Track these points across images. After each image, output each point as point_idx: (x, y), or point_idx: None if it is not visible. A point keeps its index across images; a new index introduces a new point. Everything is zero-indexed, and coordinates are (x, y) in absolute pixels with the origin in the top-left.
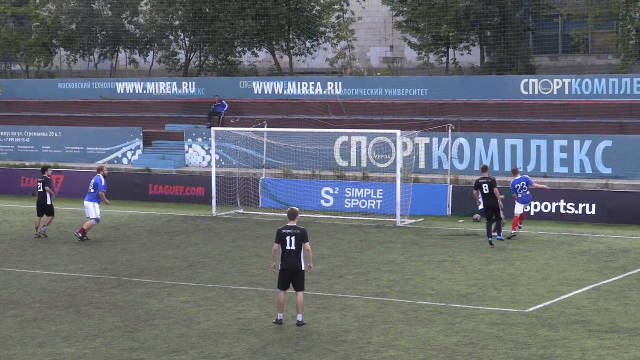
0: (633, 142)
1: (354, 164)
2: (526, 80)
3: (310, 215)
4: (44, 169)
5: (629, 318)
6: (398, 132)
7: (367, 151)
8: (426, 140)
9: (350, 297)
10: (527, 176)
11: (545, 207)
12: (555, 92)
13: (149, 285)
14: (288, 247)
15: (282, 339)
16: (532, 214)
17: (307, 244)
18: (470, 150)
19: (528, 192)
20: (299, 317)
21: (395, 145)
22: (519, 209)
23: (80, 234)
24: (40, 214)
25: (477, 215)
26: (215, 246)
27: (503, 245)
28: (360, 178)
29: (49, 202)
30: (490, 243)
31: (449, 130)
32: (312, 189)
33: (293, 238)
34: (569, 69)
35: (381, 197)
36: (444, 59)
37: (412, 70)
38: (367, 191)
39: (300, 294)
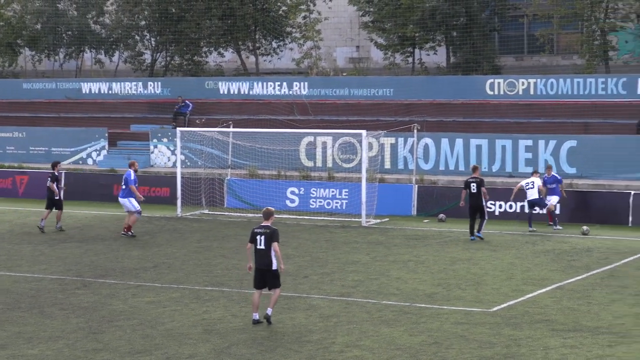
0: (597, 142)
1: (319, 164)
2: (492, 80)
3: (276, 216)
4: (54, 165)
5: (592, 317)
6: (364, 132)
7: (332, 151)
8: (392, 140)
9: (315, 297)
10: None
11: (510, 206)
12: (520, 92)
13: (113, 286)
14: (258, 246)
15: (247, 339)
16: (496, 213)
17: (276, 244)
18: (436, 151)
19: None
20: (269, 311)
21: (361, 146)
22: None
23: (127, 232)
24: (49, 206)
25: (442, 215)
26: (180, 247)
27: (468, 245)
28: (325, 178)
29: (57, 197)
30: (472, 239)
31: (415, 131)
32: (278, 189)
33: (263, 238)
34: (534, 69)
35: (346, 197)
36: (410, 59)
37: (378, 70)
38: (333, 191)
39: (277, 290)
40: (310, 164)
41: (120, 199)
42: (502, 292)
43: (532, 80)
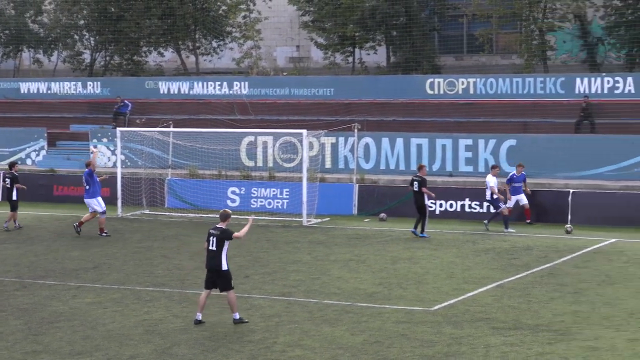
0: (537, 141)
1: (260, 163)
2: (432, 79)
3: (217, 216)
4: (11, 165)
5: (532, 315)
6: (304, 131)
7: (273, 151)
8: (332, 140)
9: (257, 297)
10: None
11: (451, 205)
12: (460, 92)
13: (53, 287)
14: (210, 247)
15: (189, 339)
16: (437, 212)
17: (235, 234)
18: (377, 150)
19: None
20: (236, 316)
21: (301, 145)
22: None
23: (102, 233)
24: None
25: (383, 215)
26: (121, 247)
27: (409, 244)
28: (266, 178)
29: (14, 198)
30: (414, 234)
31: (355, 130)
32: (219, 189)
33: (214, 239)
34: (473, 68)
35: (287, 197)
36: (350, 59)
37: (318, 70)
38: (274, 191)
39: (229, 293)
40: (251, 163)
41: (85, 199)
42: (443, 291)
43: (471, 80)
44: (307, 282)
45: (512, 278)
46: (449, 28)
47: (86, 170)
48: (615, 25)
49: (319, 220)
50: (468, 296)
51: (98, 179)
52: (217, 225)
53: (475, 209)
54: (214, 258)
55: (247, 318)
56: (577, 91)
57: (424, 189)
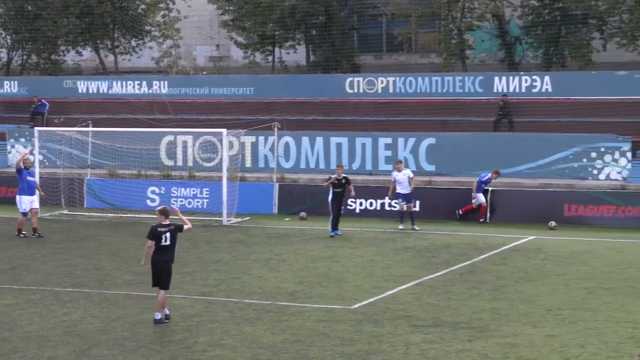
0: (455, 140)
1: (180, 163)
2: (351, 78)
3: (136, 215)
4: None
5: (451, 312)
6: (224, 131)
7: (193, 150)
8: (252, 139)
9: (177, 297)
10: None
11: (371, 204)
12: (379, 91)
13: None
14: (164, 243)
15: (108, 340)
16: (357, 211)
17: (185, 226)
18: (297, 149)
19: None
20: (157, 316)
21: (221, 145)
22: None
23: (35, 234)
24: None
25: (303, 214)
26: (39, 248)
27: (330, 243)
28: (186, 177)
29: None
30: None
31: (275, 129)
32: (138, 188)
33: (168, 235)
34: (393, 67)
35: (207, 196)
36: (270, 58)
37: (238, 69)
38: (194, 190)
39: (162, 292)
40: (170, 163)
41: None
42: (363, 289)
43: (391, 79)
44: (227, 281)
45: (432, 276)
46: (368, 27)
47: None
48: (533, 24)
49: (239, 219)
50: (388, 294)
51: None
52: (163, 222)
53: (395, 207)
54: (167, 252)
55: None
56: (495, 90)
57: (349, 187)
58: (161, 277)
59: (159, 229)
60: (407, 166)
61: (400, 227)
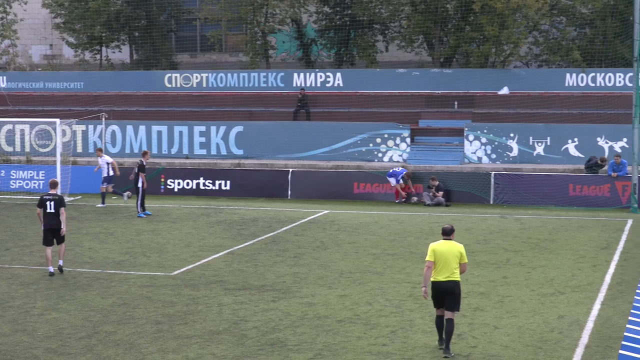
0: (260, 128)
1: (18, 149)
2: (170, 75)
3: None
4: None
5: (258, 277)
6: (58, 120)
7: (30, 138)
8: (83, 127)
9: (17, 267)
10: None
11: (187, 184)
12: (194, 85)
13: None
14: (49, 210)
15: None
16: (175, 190)
17: (63, 209)
18: (122, 136)
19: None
20: (60, 262)
21: (55, 132)
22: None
23: None
24: None
25: (128, 193)
26: None
27: (151, 218)
28: (24, 162)
29: None
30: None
31: (103, 119)
32: None
33: (52, 203)
34: (206, 65)
35: (43, 178)
36: (98, 56)
37: (69, 66)
38: (31, 173)
39: (62, 245)
40: (10, 149)
41: None
42: (181, 258)
43: (204, 75)
44: None
45: (241, 246)
46: (184, 30)
47: None
48: (326, 28)
49: (72, 198)
50: (203, 262)
51: None
52: (50, 192)
53: (208, 186)
54: (53, 218)
55: (8, 286)
56: (294, 84)
57: (140, 175)
58: (56, 237)
59: (44, 197)
60: (218, 151)
61: (100, 205)
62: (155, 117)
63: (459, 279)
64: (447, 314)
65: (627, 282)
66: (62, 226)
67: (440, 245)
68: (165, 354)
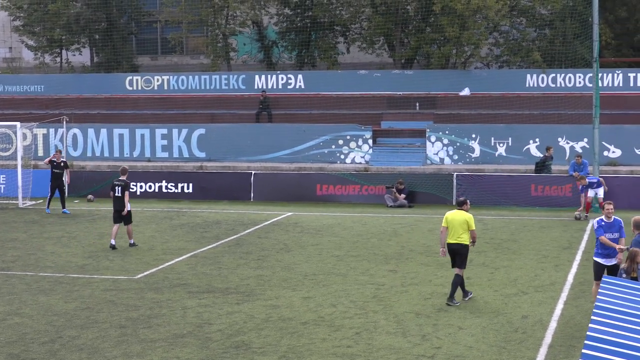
0: (223, 130)
1: None
2: (131, 77)
3: None
4: None
5: (222, 280)
6: (18, 124)
7: None
8: (44, 131)
9: None
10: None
11: (150, 187)
12: (156, 88)
13: None
14: (117, 194)
15: None
16: (138, 193)
17: (127, 192)
18: (84, 139)
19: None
20: (131, 241)
21: (16, 136)
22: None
23: None
24: None
25: (90, 196)
26: None
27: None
28: None
29: None
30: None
31: (64, 122)
32: None
33: (119, 188)
34: (167, 67)
35: (4, 182)
36: (58, 59)
37: (29, 69)
38: None
39: (129, 226)
40: None
41: None
42: (144, 262)
43: (165, 77)
44: (23, 257)
45: (205, 248)
46: (145, 32)
47: None
48: (287, 30)
49: (34, 202)
50: (167, 265)
51: None
52: (120, 178)
53: (171, 189)
54: (119, 201)
55: None
56: (256, 87)
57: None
58: (123, 217)
59: (114, 182)
60: (181, 153)
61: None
62: (116, 120)
63: (466, 242)
64: (455, 270)
65: (589, 282)
66: (127, 207)
67: (451, 214)
68: (130, 358)
